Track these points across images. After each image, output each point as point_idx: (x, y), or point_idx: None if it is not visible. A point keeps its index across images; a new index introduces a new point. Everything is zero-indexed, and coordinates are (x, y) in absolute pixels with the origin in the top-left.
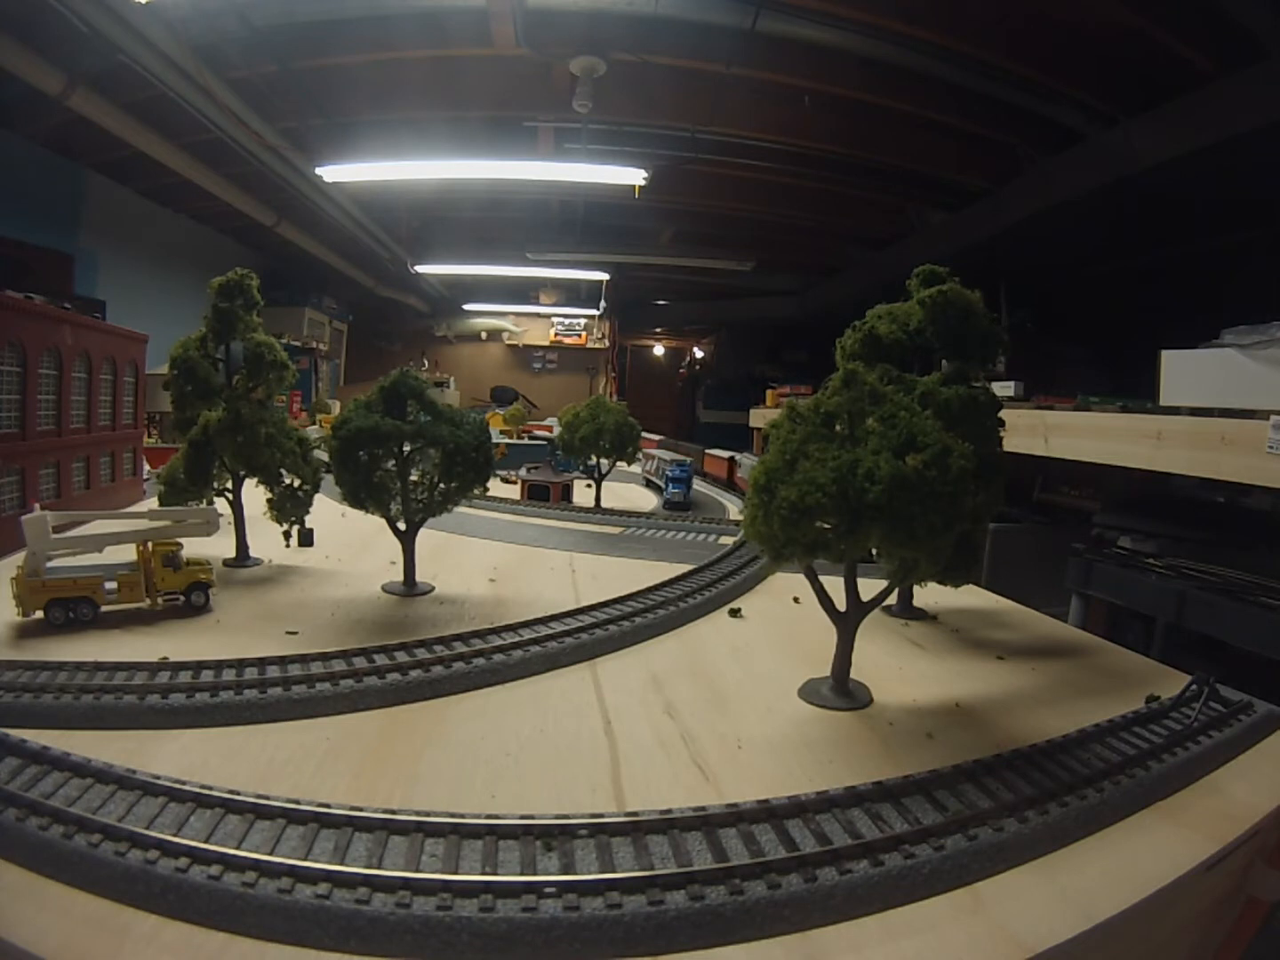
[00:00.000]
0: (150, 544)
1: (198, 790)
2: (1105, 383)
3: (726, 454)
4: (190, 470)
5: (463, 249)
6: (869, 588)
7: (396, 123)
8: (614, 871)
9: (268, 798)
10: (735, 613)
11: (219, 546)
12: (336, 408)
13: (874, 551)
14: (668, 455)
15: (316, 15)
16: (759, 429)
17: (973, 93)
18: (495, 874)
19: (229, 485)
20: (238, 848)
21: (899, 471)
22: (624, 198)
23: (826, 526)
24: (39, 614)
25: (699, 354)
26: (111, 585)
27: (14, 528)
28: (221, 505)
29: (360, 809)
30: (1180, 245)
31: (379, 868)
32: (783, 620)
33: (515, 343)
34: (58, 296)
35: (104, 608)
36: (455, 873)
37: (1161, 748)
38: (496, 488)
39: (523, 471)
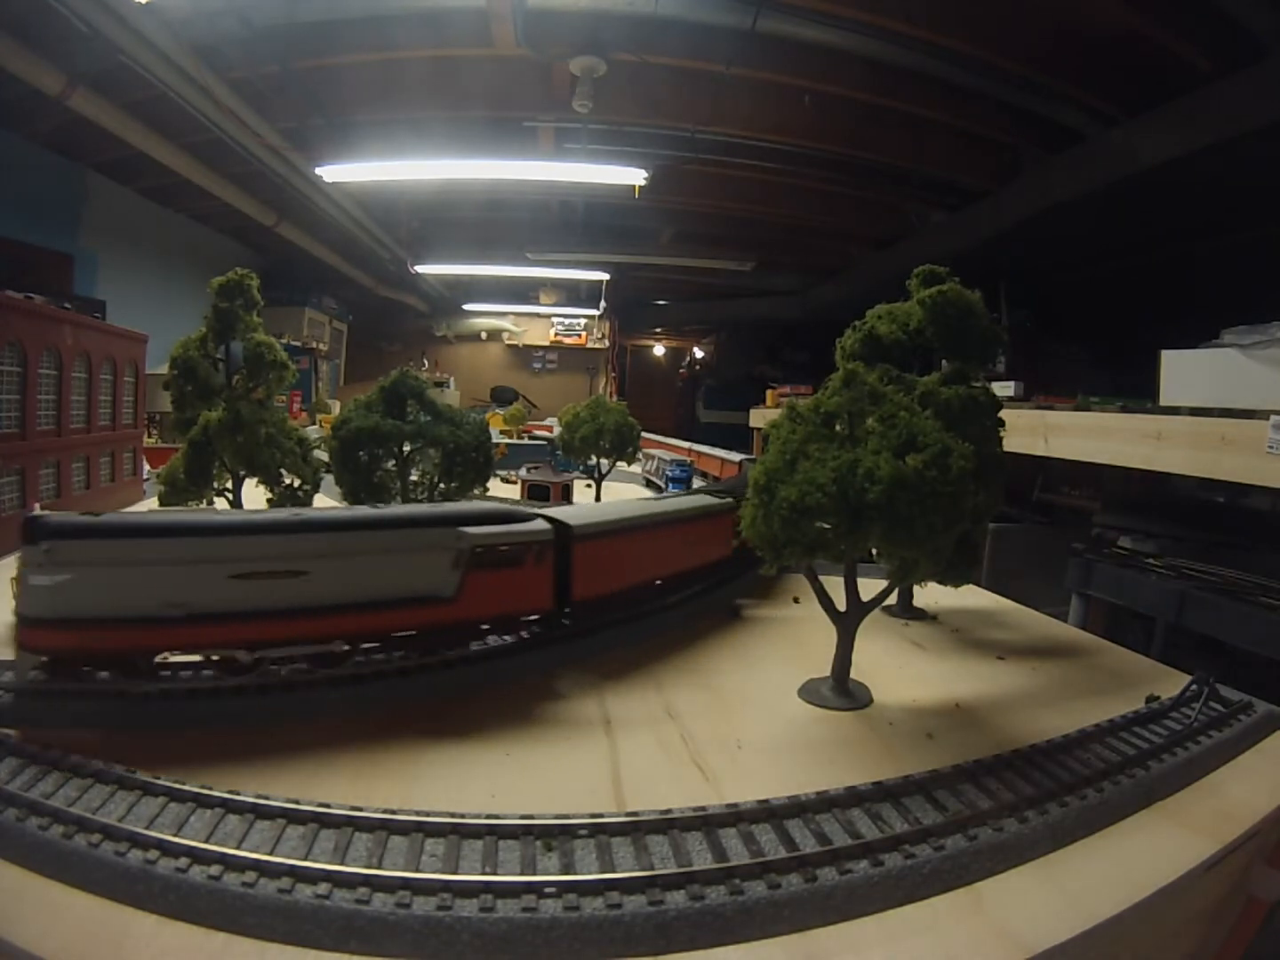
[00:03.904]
0: None
1: (198, 790)
2: (1105, 383)
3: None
4: (190, 470)
5: (463, 249)
6: (869, 588)
7: (396, 123)
8: (614, 871)
9: (268, 798)
10: (735, 613)
11: None
12: (336, 408)
13: (874, 551)
14: (668, 455)
15: (316, 15)
16: (759, 429)
17: (973, 93)
18: (495, 874)
19: (229, 485)
20: (238, 848)
21: (899, 471)
22: (624, 198)
23: (826, 526)
24: None
25: (699, 354)
26: None
27: (14, 528)
28: (221, 505)
29: (360, 809)
30: (1180, 245)
31: (379, 868)
32: (783, 620)
33: (515, 343)
34: (58, 296)
35: None
36: (455, 873)
37: (1161, 748)
38: (496, 488)
39: (523, 471)
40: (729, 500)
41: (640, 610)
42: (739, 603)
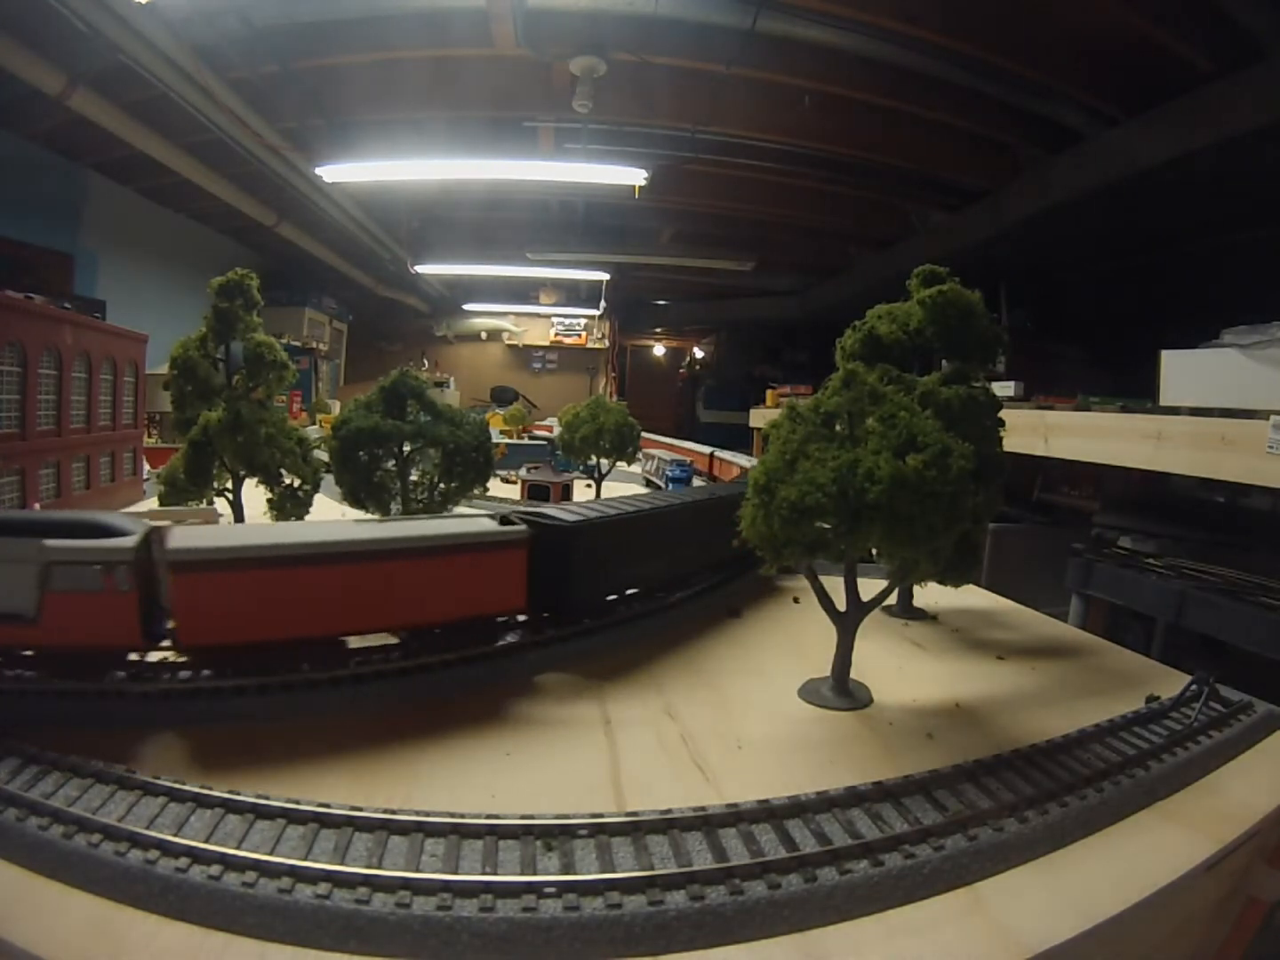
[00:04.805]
0: None
1: (198, 790)
2: (1105, 383)
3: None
4: (190, 470)
5: (463, 249)
6: (869, 588)
7: (396, 123)
8: (614, 871)
9: (268, 798)
10: (735, 613)
11: None
12: (336, 408)
13: (873, 551)
14: (668, 455)
15: (316, 15)
16: (759, 429)
17: (973, 93)
18: (495, 874)
19: (229, 485)
20: (238, 848)
21: (899, 471)
22: (624, 198)
23: (826, 526)
24: None
25: (699, 354)
26: None
27: None
28: (221, 505)
29: (360, 809)
30: (1180, 245)
31: (379, 868)
32: (783, 620)
33: (515, 343)
34: (58, 296)
35: None
36: (455, 873)
37: (1161, 748)
38: (496, 488)
39: (523, 471)
40: (519, 530)
41: (334, 674)
42: (738, 603)
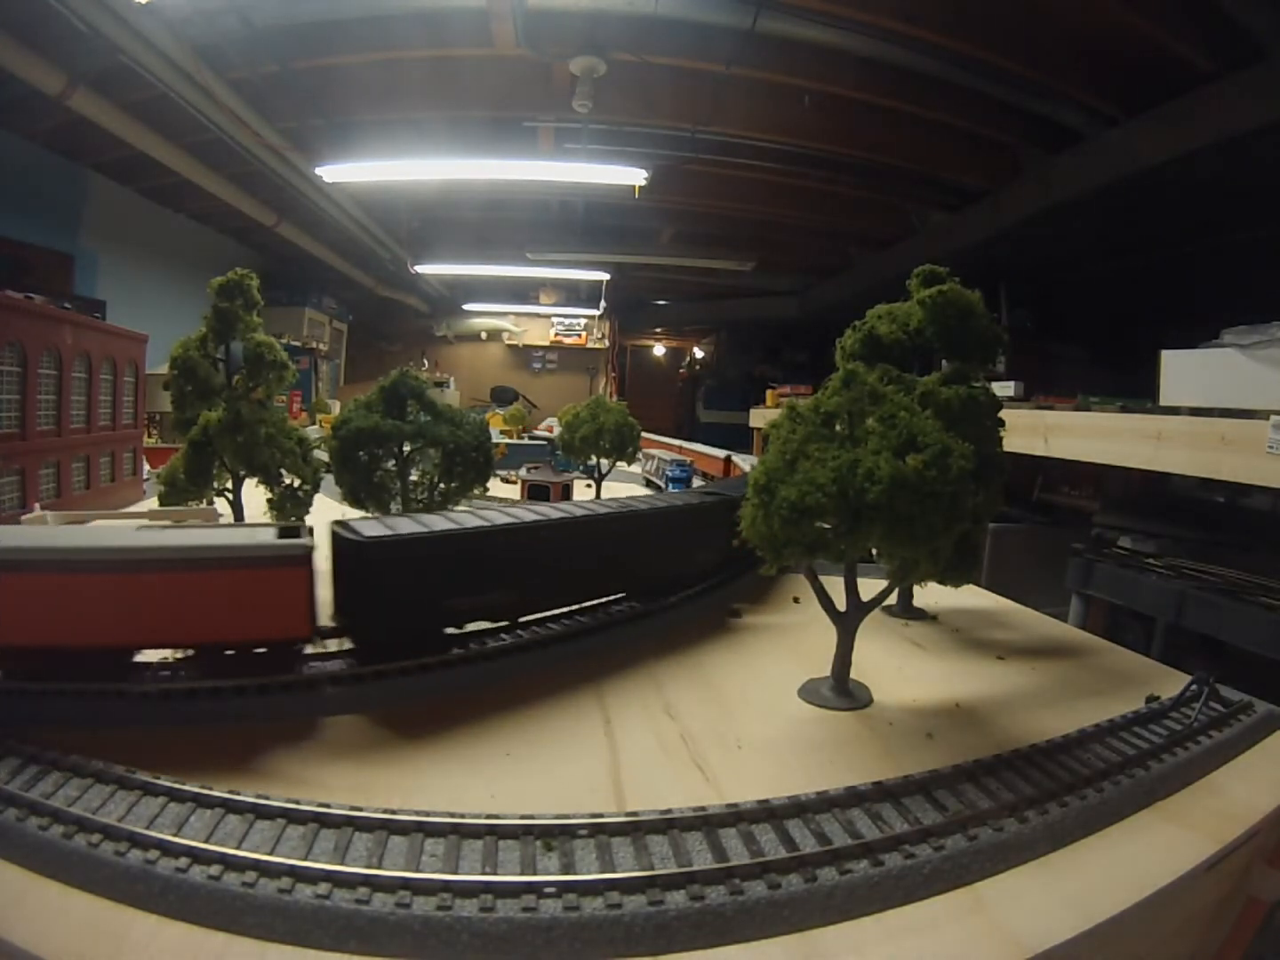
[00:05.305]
0: None
1: (198, 790)
2: (1105, 383)
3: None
4: (190, 470)
5: (463, 249)
6: (869, 588)
7: (396, 123)
8: (614, 871)
9: (268, 798)
10: (735, 613)
11: None
12: (336, 408)
13: (873, 551)
14: (668, 455)
15: (316, 15)
16: (759, 429)
17: (973, 93)
18: (495, 874)
19: (229, 485)
20: (238, 848)
21: (899, 471)
22: (624, 198)
23: (826, 526)
24: None
25: (699, 354)
26: None
27: None
28: (221, 505)
29: (360, 809)
30: (1180, 245)
31: (379, 868)
32: (783, 620)
33: (515, 343)
34: (58, 296)
35: None
36: (455, 873)
37: (1161, 748)
38: (496, 488)
39: (523, 471)
40: (295, 545)
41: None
42: (739, 604)
